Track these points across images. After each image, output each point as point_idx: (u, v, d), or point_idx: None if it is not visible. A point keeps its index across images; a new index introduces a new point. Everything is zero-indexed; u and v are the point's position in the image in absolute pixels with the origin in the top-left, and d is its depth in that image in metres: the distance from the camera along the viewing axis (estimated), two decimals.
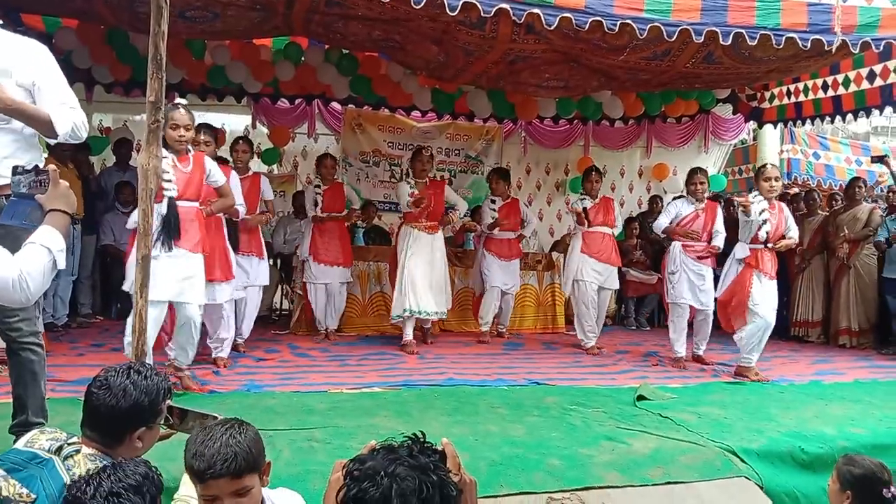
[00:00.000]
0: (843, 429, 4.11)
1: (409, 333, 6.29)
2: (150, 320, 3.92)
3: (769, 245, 5.51)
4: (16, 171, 2.16)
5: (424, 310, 6.22)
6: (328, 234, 6.56)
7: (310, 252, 6.54)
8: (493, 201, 7.01)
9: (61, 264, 2.08)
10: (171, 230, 4.11)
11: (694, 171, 6.28)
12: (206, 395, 4.40)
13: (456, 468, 1.46)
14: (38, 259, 2.01)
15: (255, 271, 5.80)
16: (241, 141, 5.94)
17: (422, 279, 6.20)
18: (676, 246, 6.09)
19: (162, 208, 4.11)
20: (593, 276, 6.55)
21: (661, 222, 6.20)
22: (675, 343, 6.06)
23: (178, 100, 4.38)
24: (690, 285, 5.99)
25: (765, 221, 5.49)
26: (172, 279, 4.16)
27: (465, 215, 7.36)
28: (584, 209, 6.60)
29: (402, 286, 6.21)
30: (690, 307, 6.03)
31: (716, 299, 5.89)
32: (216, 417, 2.27)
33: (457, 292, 7.27)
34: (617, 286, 6.94)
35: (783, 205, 5.83)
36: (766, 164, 5.99)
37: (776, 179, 5.61)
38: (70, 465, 1.87)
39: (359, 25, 5.69)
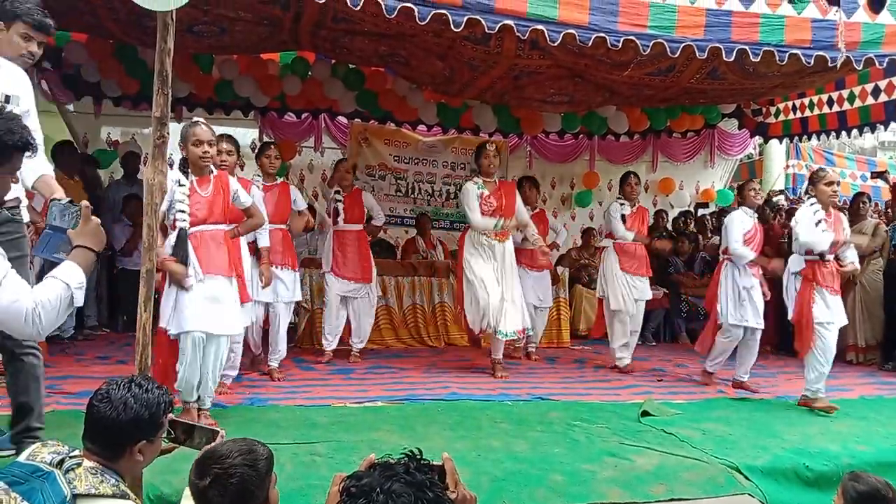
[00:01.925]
0: (848, 446, 4.10)
1: (499, 350, 5.89)
2: (189, 354, 3.83)
3: (828, 258, 5.01)
4: (52, 203, 2.19)
5: (502, 330, 5.65)
6: (349, 248, 6.15)
7: (330, 267, 6.16)
8: None
9: (79, 301, 2.10)
10: (181, 262, 3.83)
11: (748, 181, 6.00)
12: (210, 407, 4.41)
13: (454, 484, 1.46)
14: (56, 294, 2.03)
15: (290, 285, 5.51)
16: (272, 146, 5.68)
17: (497, 293, 5.64)
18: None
19: (173, 238, 3.89)
20: (631, 292, 6.29)
21: (738, 238, 5.58)
22: (714, 360, 5.79)
23: (196, 119, 4.11)
24: (752, 304, 5.60)
25: (823, 231, 4.99)
26: (203, 308, 3.85)
27: None
28: (623, 216, 6.31)
29: (478, 296, 5.65)
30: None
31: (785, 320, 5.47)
32: (219, 432, 2.28)
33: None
34: (649, 296, 6.61)
35: (841, 214, 5.34)
36: (824, 166, 5.78)
37: (838, 184, 5.18)
38: (71, 478, 1.88)
39: (365, 41, 5.74)
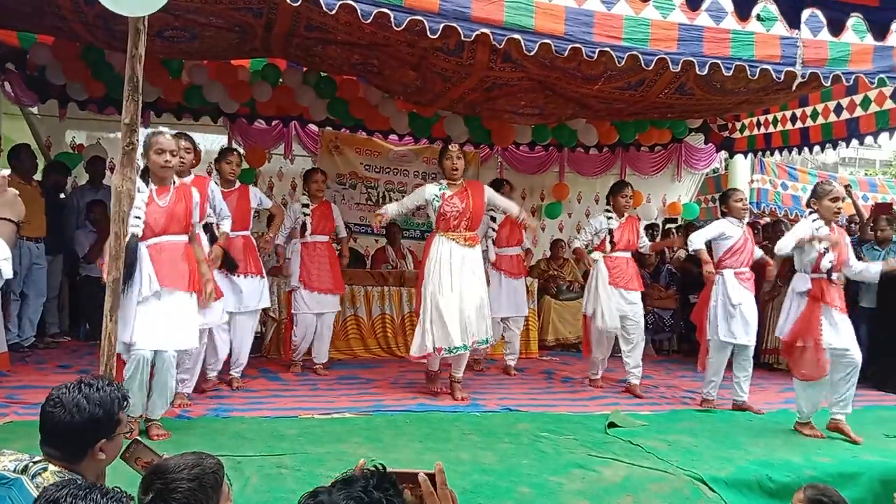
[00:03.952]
0: (810, 457, 4.16)
1: (435, 365, 5.52)
2: (133, 373, 3.74)
3: (834, 277, 4.73)
4: None
5: (453, 346, 5.18)
6: (318, 259, 6.06)
7: (300, 280, 6.02)
8: (493, 219, 6.44)
9: (7, 273, 2.07)
10: (128, 270, 3.68)
11: (732, 190, 5.85)
12: (175, 419, 4.34)
13: (430, 498, 1.44)
14: None
15: (255, 293, 5.47)
16: (233, 152, 5.62)
17: (452, 308, 5.18)
18: (729, 274, 5.44)
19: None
20: (619, 309, 5.97)
21: (700, 236, 5.45)
22: (710, 385, 5.52)
23: (160, 128, 4.04)
24: (742, 320, 5.39)
25: (827, 249, 4.71)
26: (154, 324, 3.80)
27: None
28: (610, 231, 6.04)
29: (429, 317, 5.25)
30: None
31: (778, 339, 5.35)
32: (161, 456, 2.27)
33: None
34: (642, 312, 6.18)
35: (842, 229, 5.10)
36: (829, 180, 5.54)
37: (843, 200, 4.92)
38: (39, 482, 1.87)
39: (337, 50, 5.71)
